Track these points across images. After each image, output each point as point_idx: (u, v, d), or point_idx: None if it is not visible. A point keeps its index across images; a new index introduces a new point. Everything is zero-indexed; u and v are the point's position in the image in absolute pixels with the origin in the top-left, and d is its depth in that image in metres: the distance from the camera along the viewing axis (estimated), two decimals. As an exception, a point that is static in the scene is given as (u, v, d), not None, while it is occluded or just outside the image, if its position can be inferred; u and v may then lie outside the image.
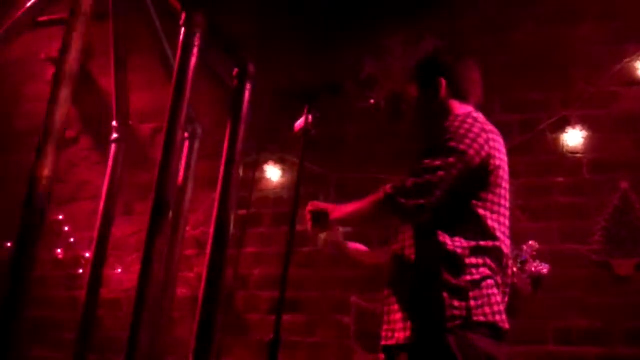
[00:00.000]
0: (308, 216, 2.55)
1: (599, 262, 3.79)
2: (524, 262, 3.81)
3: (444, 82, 2.50)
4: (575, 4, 4.34)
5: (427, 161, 2.24)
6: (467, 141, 2.26)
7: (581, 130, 4.05)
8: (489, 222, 2.29)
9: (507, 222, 2.36)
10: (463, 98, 2.50)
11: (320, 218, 2.52)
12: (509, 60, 4.28)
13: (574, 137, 4.06)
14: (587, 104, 4.09)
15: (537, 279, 3.81)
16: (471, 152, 2.26)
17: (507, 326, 2.25)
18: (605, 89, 4.08)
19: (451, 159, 2.22)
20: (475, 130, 2.30)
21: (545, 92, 4.20)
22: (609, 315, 3.69)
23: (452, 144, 2.25)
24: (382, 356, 2.39)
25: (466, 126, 2.30)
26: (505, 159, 2.39)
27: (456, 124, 2.32)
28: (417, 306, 2.26)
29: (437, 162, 2.22)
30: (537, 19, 4.39)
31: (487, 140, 2.31)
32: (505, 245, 2.34)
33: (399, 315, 2.30)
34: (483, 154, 2.29)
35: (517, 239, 3.77)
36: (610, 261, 3.77)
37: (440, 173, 2.20)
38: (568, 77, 4.18)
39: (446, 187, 2.22)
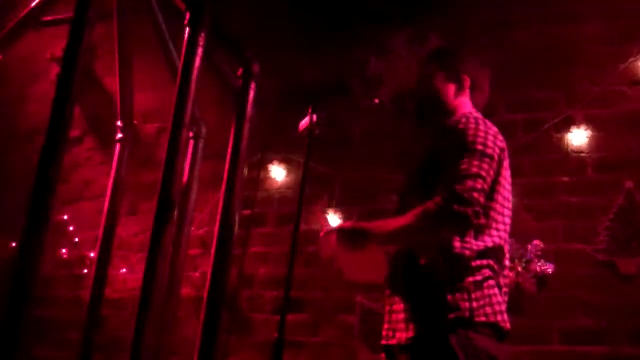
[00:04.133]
0: (333, 237, 2.33)
1: (603, 262, 3.78)
2: (528, 262, 3.80)
3: (468, 81, 2.51)
4: (579, 3, 4.33)
5: (463, 167, 2.20)
6: (490, 144, 2.27)
7: (586, 130, 4.05)
8: (496, 224, 2.29)
9: (510, 222, 2.37)
10: (472, 101, 2.53)
11: (354, 238, 2.31)
12: (514, 60, 4.27)
13: (578, 137, 4.05)
14: (592, 103, 4.08)
15: (541, 278, 3.81)
16: (495, 156, 2.27)
17: (508, 326, 2.26)
18: (610, 88, 4.07)
19: (485, 165, 2.22)
20: (491, 132, 2.32)
21: (550, 91, 4.20)
22: (614, 314, 3.68)
23: (479, 147, 2.25)
24: (383, 356, 2.40)
25: (482, 127, 2.31)
26: (508, 159, 2.40)
27: (471, 125, 2.32)
28: (420, 306, 2.26)
29: (474, 169, 2.20)
30: (542, 17, 4.38)
31: (501, 141, 2.34)
32: (507, 246, 2.35)
33: (401, 316, 2.31)
34: (502, 157, 2.31)
35: (522, 238, 3.78)
36: (615, 260, 3.76)
37: (480, 180, 2.19)
38: (572, 76, 4.18)
39: (486, 193, 2.22)
